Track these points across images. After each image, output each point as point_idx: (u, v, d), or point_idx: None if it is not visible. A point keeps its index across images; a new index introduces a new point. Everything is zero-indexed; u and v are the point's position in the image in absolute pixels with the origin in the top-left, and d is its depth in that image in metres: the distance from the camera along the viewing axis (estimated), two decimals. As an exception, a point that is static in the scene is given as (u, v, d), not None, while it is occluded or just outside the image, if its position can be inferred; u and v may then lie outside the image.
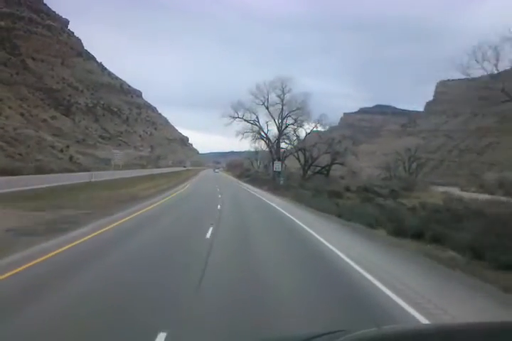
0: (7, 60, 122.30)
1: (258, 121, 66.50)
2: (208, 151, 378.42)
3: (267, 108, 64.84)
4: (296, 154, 64.60)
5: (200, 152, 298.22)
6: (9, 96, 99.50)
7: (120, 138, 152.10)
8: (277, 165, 57.44)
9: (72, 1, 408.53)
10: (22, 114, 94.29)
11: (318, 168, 62.98)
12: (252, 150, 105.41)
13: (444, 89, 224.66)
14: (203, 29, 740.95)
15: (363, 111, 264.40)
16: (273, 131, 67.81)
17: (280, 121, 65.06)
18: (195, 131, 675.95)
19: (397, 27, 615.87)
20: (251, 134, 67.05)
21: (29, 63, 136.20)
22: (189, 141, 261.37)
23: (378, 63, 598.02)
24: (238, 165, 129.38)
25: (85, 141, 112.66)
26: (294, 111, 63.83)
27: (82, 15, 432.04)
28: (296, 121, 64.66)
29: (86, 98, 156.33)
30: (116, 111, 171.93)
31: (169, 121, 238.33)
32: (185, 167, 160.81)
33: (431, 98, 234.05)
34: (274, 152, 65.45)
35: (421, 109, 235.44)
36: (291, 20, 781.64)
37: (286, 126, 65.43)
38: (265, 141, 68.85)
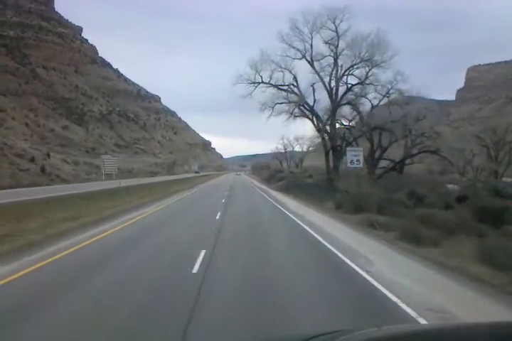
0: (16, 70, 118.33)
1: (297, 86, 39.00)
2: (233, 155, 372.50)
3: (311, 62, 38.03)
4: (354, 142, 40.51)
5: (224, 156, 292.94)
6: (15, 106, 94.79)
7: (137, 145, 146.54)
8: (354, 156, 28.96)
9: (86, 8, 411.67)
10: (27, 124, 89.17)
11: (389, 163, 41.52)
12: (280, 146, 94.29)
13: (475, 74, 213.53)
14: (220, 31, 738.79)
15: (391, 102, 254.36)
16: (321, 101, 39.91)
17: (335, 82, 38.34)
18: (219, 136, 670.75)
19: (419, 14, 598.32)
20: (286, 108, 39.70)
21: (40, 72, 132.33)
22: (212, 146, 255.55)
23: (404, 53, 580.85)
24: (264, 167, 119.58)
25: (95, 150, 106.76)
26: (360, 62, 37.40)
27: (96, 22, 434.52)
28: (366, 78, 38.04)
29: (101, 105, 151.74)
30: (133, 118, 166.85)
31: (190, 125, 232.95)
32: (198, 172, 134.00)
33: (462, 85, 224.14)
34: (328, 136, 39.10)
35: (452, 97, 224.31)
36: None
37: (349, 89, 38.87)
38: (310, 119, 40.32)
